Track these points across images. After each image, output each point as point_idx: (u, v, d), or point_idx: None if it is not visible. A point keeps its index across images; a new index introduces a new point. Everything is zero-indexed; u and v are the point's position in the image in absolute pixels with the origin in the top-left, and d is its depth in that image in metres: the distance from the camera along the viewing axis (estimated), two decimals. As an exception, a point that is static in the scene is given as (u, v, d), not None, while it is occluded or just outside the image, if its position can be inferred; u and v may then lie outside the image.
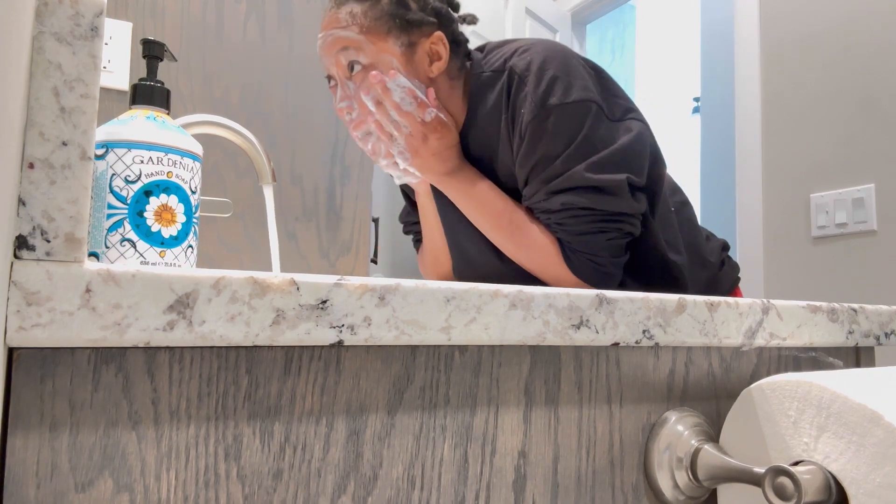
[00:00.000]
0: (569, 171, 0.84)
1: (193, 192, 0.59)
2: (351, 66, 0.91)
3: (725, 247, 1.09)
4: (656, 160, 0.93)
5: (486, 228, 0.94)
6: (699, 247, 1.02)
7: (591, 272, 0.87)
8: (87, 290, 0.29)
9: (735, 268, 1.08)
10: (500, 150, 0.93)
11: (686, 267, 0.95)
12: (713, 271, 1.03)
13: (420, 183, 1.03)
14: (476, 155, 0.96)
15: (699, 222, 1.05)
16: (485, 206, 0.93)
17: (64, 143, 0.30)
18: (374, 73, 0.88)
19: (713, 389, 0.50)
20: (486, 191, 0.93)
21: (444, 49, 0.93)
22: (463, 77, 0.97)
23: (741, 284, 2.05)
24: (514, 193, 0.94)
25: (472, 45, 1.00)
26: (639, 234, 0.89)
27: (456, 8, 0.99)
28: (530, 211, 0.91)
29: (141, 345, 0.30)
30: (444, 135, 0.93)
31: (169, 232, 0.56)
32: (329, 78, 0.95)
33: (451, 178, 0.94)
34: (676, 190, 1.05)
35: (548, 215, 0.87)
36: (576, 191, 0.84)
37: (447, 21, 0.95)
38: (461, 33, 0.98)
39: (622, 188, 0.84)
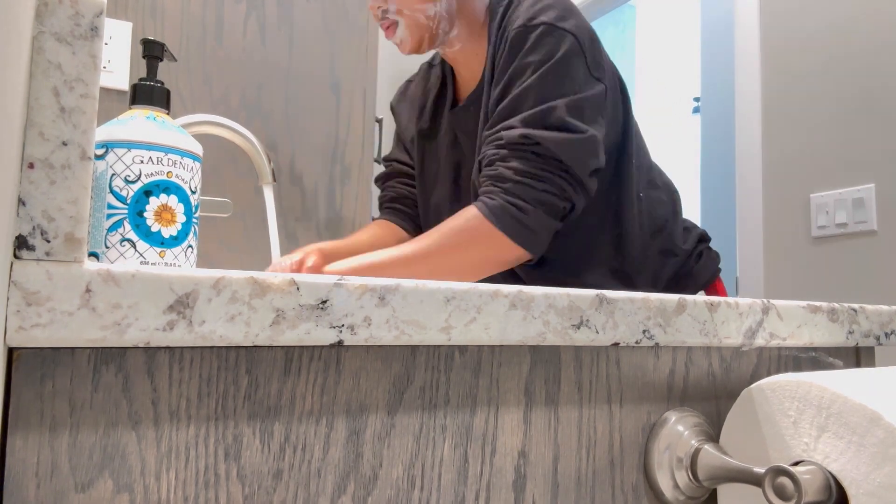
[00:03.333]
0: (547, 103, 0.85)
1: (193, 192, 0.59)
2: None
3: (704, 238, 1.07)
4: (627, 112, 0.97)
5: (418, 264, 0.85)
6: (669, 234, 1.01)
7: (511, 222, 0.83)
8: (87, 290, 0.29)
9: (715, 259, 1.07)
10: (487, 76, 0.95)
11: (632, 239, 0.96)
12: (683, 260, 1.02)
13: None
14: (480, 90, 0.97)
15: (699, 223, 1.05)
16: (396, 259, 0.86)
17: (64, 143, 0.30)
18: None
19: (713, 389, 0.50)
20: (382, 254, 0.87)
21: None
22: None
23: (740, 284, 2.05)
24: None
25: None
26: (579, 212, 0.90)
27: None
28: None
29: (141, 345, 0.30)
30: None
31: (169, 232, 0.56)
32: None
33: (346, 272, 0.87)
34: (660, 172, 1.07)
35: (497, 150, 0.86)
36: (549, 129, 0.85)
37: None
38: None
39: (596, 145, 0.86)
